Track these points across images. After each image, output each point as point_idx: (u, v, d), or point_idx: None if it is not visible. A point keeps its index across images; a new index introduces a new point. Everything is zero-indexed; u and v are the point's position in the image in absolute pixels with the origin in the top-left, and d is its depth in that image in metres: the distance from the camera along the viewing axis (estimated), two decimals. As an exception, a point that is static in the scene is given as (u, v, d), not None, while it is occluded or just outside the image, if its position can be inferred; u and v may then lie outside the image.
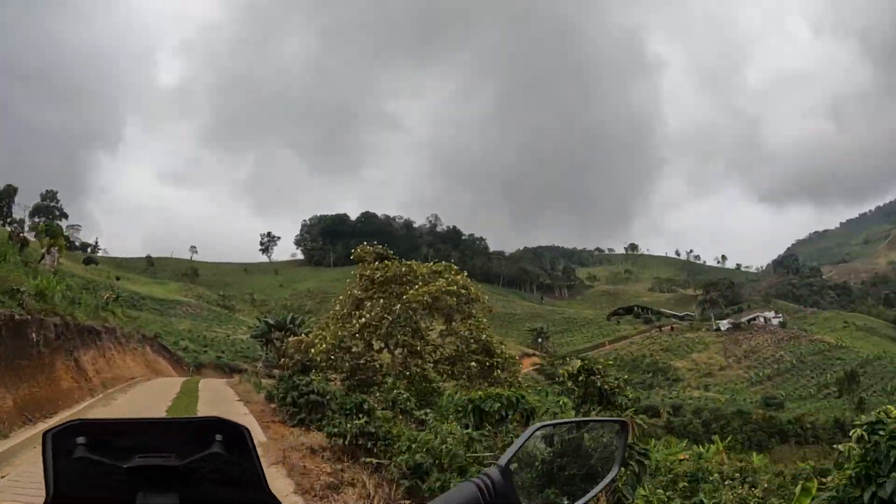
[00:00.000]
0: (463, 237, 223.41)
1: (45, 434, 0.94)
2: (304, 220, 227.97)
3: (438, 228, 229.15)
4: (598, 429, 1.51)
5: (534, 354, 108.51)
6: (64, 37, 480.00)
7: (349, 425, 11.23)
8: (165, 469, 0.97)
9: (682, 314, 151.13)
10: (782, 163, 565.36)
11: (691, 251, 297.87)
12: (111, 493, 0.98)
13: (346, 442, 11.10)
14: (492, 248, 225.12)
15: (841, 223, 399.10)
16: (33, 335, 15.38)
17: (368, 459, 10.50)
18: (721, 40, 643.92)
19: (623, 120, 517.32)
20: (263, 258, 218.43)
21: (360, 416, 11.79)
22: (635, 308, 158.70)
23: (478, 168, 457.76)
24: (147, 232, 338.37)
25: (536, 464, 1.32)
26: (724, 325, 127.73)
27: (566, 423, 1.51)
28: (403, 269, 26.21)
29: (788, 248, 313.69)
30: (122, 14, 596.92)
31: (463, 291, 25.67)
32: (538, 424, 1.30)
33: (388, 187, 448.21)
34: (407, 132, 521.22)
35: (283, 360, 29.32)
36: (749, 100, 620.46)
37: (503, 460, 1.14)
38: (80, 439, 0.95)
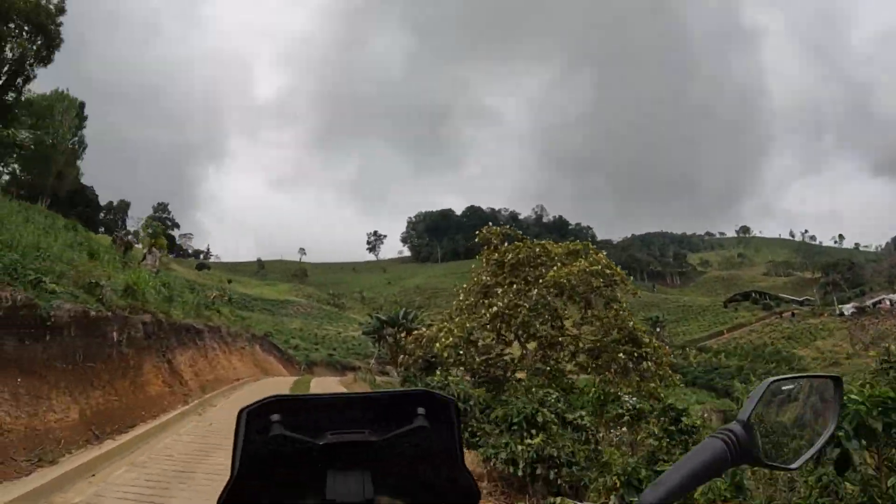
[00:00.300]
0: (569, 227, 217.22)
1: (240, 412, 0.91)
2: (410, 218, 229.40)
3: (544, 219, 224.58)
4: (817, 385, 1.38)
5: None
6: (167, 60, 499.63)
7: (521, 447, 7.65)
8: (358, 445, 0.94)
9: (801, 299, 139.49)
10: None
11: (806, 231, 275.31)
12: (301, 471, 0.94)
13: (520, 471, 7.52)
14: (599, 237, 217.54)
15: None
16: (114, 334, 12.96)
17: (557, 501, 6.84)
18: (819, 1, 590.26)
19: (726, 96, 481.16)
20: (371, 257, 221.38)
21: (534, 432, 8.20)
22: (752, 294, 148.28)
23: (580, 156, 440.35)
24: (257, 237, 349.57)
25: (767, 419, 1.24)
26: (849, 309, 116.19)
27: (794, 377, 1.37)
28: (537, 249, 22.66)
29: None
30: (217, 35, 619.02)
31: (607, 272, 21.86)
32: (772, 379, 1.25)
33: (492, 181, 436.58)
34: (507, 124, 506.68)
35: (402, 356, 26.98)
36: (856, 65, 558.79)
37: (744, 415, 1.11)
38: (275, 416, 0.92)
